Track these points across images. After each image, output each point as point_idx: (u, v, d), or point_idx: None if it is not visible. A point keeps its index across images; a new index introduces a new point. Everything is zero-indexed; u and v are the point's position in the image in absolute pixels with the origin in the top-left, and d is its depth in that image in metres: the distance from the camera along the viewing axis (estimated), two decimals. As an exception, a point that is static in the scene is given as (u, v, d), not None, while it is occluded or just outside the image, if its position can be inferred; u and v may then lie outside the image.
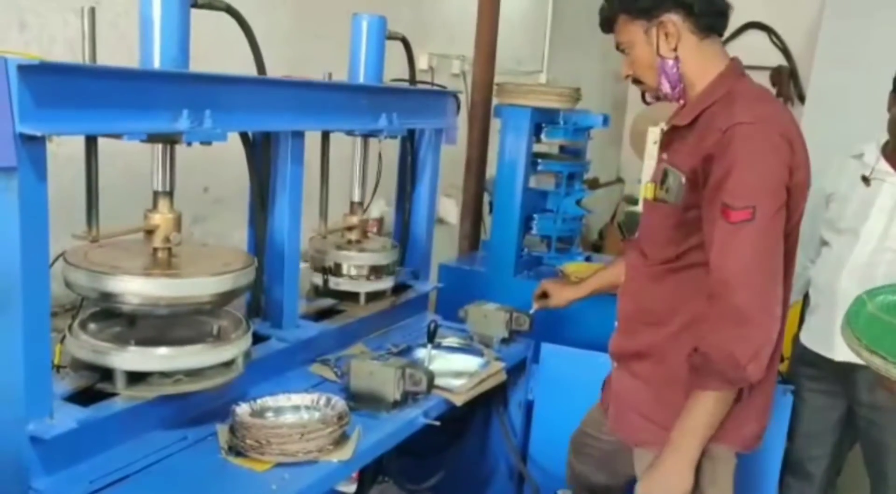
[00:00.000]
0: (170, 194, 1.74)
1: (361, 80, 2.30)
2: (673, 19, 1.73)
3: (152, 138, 1.60)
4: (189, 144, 1.64)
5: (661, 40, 1.74)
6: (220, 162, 2.33)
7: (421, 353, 2.22)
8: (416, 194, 2.66)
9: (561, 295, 2.42)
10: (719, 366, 1.61)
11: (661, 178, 1.80)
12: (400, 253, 2.58)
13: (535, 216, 3.35)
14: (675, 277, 1.78)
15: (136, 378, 1.65)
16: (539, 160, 3.30)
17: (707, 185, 1.66)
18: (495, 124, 3.73)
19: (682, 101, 1.82)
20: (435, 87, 2.61)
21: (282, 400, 1.78)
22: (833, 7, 6.19)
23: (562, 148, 3.61)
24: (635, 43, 1.79)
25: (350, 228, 2.40)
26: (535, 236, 3.43)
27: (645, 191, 1.87)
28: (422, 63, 4.10)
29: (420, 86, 2.64)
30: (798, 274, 2.55)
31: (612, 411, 2.02)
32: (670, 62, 1.75)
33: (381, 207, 3.22)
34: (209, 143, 1.68)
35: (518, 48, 5.24)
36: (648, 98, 1.90)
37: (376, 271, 2.40)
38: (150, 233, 1.73)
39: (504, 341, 2.47)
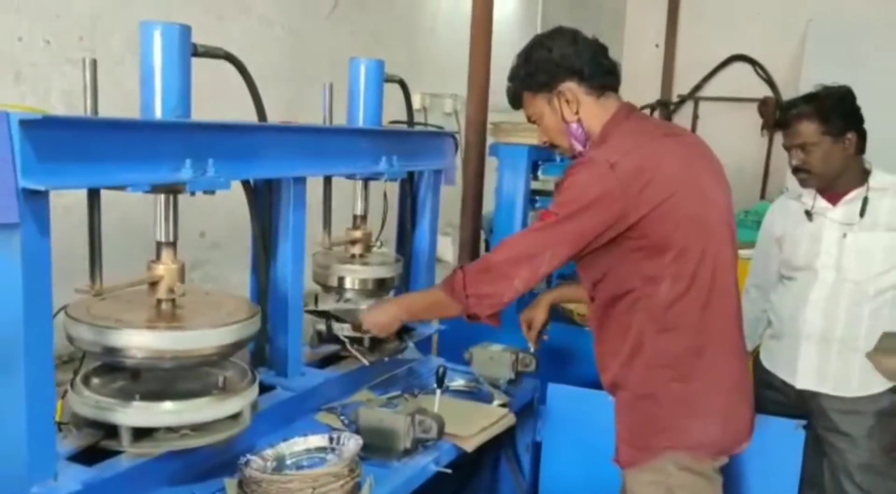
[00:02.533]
0: (173, 244, 1.71)
1: (361, 123, 2.29)
2: (569, 86, 1.90)
3: (156, 189, 1.58)
4: (192, 194, 1.62)
5: (563, 107, 1.92)
6: (217, 206, 2.31)
7: (429, 399, 2.17)
8: (416, 235, 2.64)
9: (536, 316, 2.49)
10: (456, 285, 1.90)
11: None
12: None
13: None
14: (613, 311, 1.92)
15: (141, 433, 1.61)
16: (536, 197, 3.29)
17: None
18: (489, 162, 3.75)
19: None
20: (433, 129, 2.60)
21: (298, 443, 1.74)
22: (815, 39, 6.30)
23: (557, 185, 3.61)
24: (542, 113, 1.96)
25: (353, 242, 2.38)
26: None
27: None
28: (415, 102, 4.10)
29: (418, 127, 2.63)
30: (757, 318, 2.67)
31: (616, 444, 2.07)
32: (574, 125, 1.93)
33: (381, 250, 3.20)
34: (212, 192, 1.66)
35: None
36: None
37: (381, 285, 2.38)
38: (153, 284, 1.70)
39: (511, 382, 2.43)
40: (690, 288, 1.82)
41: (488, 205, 4.02)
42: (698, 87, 7.35)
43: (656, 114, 7.29)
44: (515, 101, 2.02)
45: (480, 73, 3.85)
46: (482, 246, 4.03)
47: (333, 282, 2.35)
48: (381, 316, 2.10)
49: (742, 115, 6.95)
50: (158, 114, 1.63)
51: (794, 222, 2.55)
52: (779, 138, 6.96)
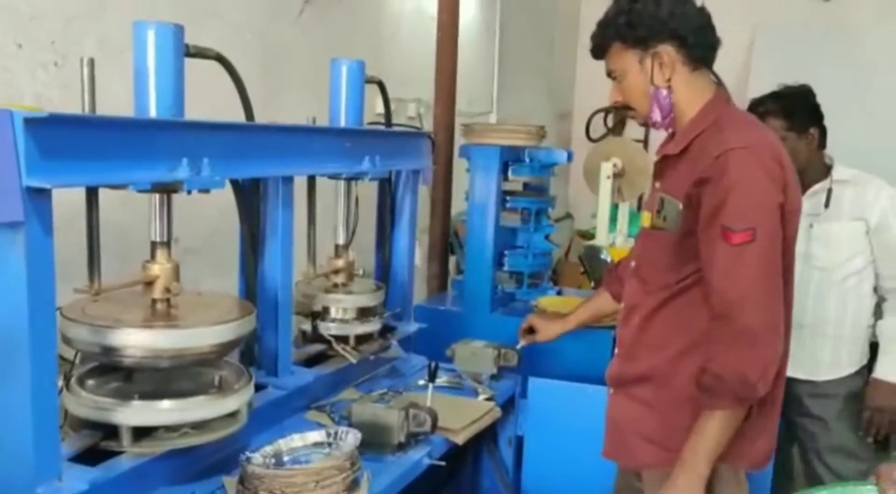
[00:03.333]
0: (167, 244, 1.71)
1: (343, 123, 2.31)
2: (668, 50, 1.77)
3: (154, 188, 1.58)
4: (189, 193, 1.62)
5: (655, 70, 1.78)
6: (191, 212, 2.30)
7: (416, 395, 2.20)
8: (395, 235, 2.66)
9: (548, 330, 2.47)
10: (731, 386, 1.64)
11: (658, 207, 1.84)
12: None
13: (507, 252, 3.38)
14: (674, 302, 1.81)
15: (140, 433, 1.61)
16: (507, 197, 3.35)
17: (702, 210, 1.70)
18: (457, 165, 3.79)
19: (671, 130, 1.89)
20: (411, 129, 2.63)
21: (297, 439, 1.75)
22: (762, 44, 6.50)
23: (525, 185, 3.67)
24: (628, 71, 1.82)
25: (336, 271, 2.39)
26: (504, 272, 3.46)
27: (643, 219, 1.93)
28: (379, 106, 4.15)
29: (396, 128, 2.66)
30: None
31: (610, 438, 2.01)
32: (664, 92, 1.79)
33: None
34: (207, 191, 1.67)
35: (469, 90, 5.34)
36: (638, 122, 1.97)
37: (364, 313, 2.38)
38: (148, 284, 1.70)
39: (493, 377, 2.48)
40: None
41: (455, 208, 4.07)
42: (650, 90, 7.50)
43: (610, 118, 7.44)
44: (600, 50, 1.86)
45: (447, 76, 3.91)
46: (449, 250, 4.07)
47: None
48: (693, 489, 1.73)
49: (693, 118, 7.10)
50: (153, 113, 1.63)
51: None
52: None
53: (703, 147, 1.74)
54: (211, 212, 2.30)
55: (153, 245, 1.71)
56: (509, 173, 3.32)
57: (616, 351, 2.01)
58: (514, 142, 3.25)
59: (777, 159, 1.70)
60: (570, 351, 2.74)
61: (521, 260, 3.39)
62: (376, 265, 2.72)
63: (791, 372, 2.52)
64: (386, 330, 2.54)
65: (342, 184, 2.38)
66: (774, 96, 2.54)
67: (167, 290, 1.69)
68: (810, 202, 2.53)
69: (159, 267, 1.69)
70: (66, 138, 1.37)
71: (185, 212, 2.41)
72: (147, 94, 1.63)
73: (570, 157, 3.43)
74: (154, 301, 1.71)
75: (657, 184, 1.91)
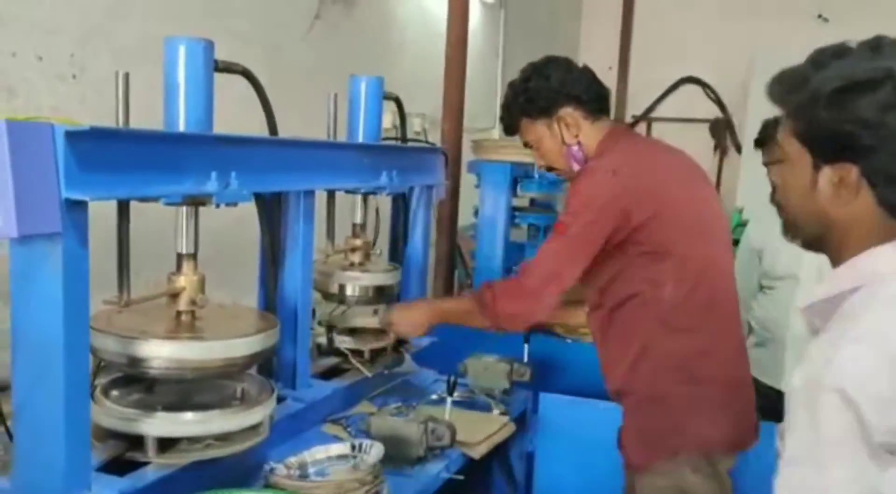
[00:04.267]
0: (194, 256, 1.73)
1: (360, 138, 2.33)
2: (568, 111, 2.02)
3: (185, 201, 1.60)
4: (217, 206, 1.64)
5: (563, 131, 2.03)
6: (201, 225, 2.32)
7: (431, 408, 2.21)
8: (409, 249, 2.68)
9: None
10: (487, 303, 1.97)
11: None
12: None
13: (514, 268, 3.39)
14: (616, 316, 1.99)
15: (165, 444, 1.62)
16: (516, 213, 3.37)
17: None
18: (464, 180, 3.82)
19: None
20: (426, 145, 2.66)
21: (320, 451, 1.76)
22: (762, 65, 6.56)
23: (532, 201, 3.70)
24: (542, 138, 2.07)
25: (353, 250, 2.41)
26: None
27: None
28: (386, 122, 4.18)
29: (412, 143, 2.69)
30: None
31: (620, 436, 2.09)
32: (575, 147, 2.04)
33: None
34: (235, 205, 1.69)
35: (472, 106, 5.38)
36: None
37: (380, 292, 2.42)
38: (174, 296, 1.71)
39: (505, 392, 2.49)
40: (694, 291, 1.90)
41: (461, 220, 4.10)
42: (651, 108, 7.57)
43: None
44: (511, 129, 2.12)
45: (455, 92, 3.94)
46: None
47: (334, 290, 2.38)
48: (413, 316, 2.18)
49: (694, 135, 7.18)
50: (182, 128, 1.65)
51: (774, 234, 2.66)
52: (729, 161, 7.14)
53: None
54: (219, 227, 2.32)
55: (179, 257, 1.72)
56: (518, 189, 3.35)
57: None
58: (523, 159, 3.28)
59: (622, 173, 1.90)
60: (582, 366, 2.75)
61: (528, 276, 3.40)
62: (389, 279, 2.74)
63: None
64: (399, 344, 2.56)
65: (359, 198, 2.39)
66: None
67: (193, 302, 1.71)
68: None
69: (185, 280, 1.71)
70: (103, 151, 1.39)
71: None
72: (177, 109, 1.65)
73: (578, 174, 3.45)
74: (179, 312, 1.72)
75: None
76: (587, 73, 2.06)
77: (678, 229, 1.90)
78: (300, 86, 3.56)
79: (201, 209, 1.72)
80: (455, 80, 3.90)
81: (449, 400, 2.12)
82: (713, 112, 7.32)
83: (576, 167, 2.05)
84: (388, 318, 2.21)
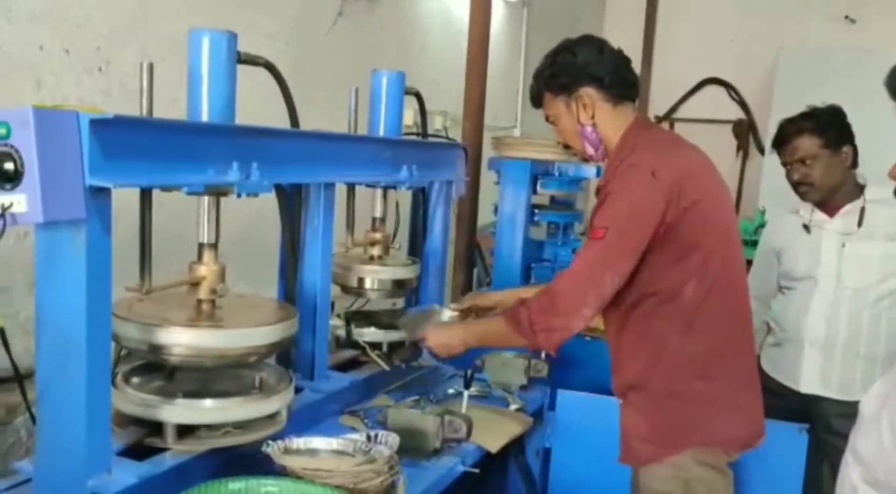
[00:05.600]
0: (215, 246, 1.75)
1: (381, 133, 2.34)
2: (588, 92, 1.99)
3: (207, 191, 1.62)
4: (239, 196, 1.66)
5: (580, 110, 2.01)
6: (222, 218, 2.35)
7: (450, 402, 2.22)
8: (427, 244, 2.69)
9: (487, 297, 2.52)
10: (523, 321, 1.92)
11: None
12: (415, 304, 2.60)
13: (533, 265, 3.40)
14: (634, 313, 1.96)
15: (184, 431, 1.64)
16: (536, 210, 3.37)
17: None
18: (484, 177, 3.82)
19: (606, 161, 2.07)
20: (446, 140, 2.67)
21: (334, 443, 1.77)
22: (785, 66, 6.51)
23: (552, 199, 3.70)
24: (560, 115, 2.06)
25: (373, 243, 2.43)
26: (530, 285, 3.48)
27: None
28: (407, 119, 4.20)
29: (432, 139, 2.69)
30: (758, 328, 2.71)
31: (621, 444, 2.10)
32: (589, 128, 2.02)
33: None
34: (256, 195, 1.71)
35: (494, 105, 5.39)
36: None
37: (400, 285, 2.43)
38: (195, 284, 1.73)
39: (523, 388, 2.49)
40: (712, 291, 1.90)
41: (481, 218, 4.10)
42: (674, 109, 7.53)
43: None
44: (537, 100, 2.11)
45: (477, 90, 3.94)
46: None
47: (353, 283, 2.40)
48: (448, 338, 2.15)
49: (716, 137, 7.13)
50: (205, 118, 1.67)
51: (792, 235, 2.67)
52: (752, 162, 7.08)
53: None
54: (238, 220, 2.35)
55: (200, 246, 1.74)
56: (538, 187, 3.35)
57: None
58: (544, 156, 3.28)
59: (661, 174, 1.85)
60: (599, 362, 2.74)
61: (547, 273, 3.40)
62: (408, 274, 2.75)
63: (821, 390, 2.56)
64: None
65: (379, 191, 2.40)
66: (805, 116, 2.58)
67: (213, 291, 1.73)
68: (843, 221, 2.55)
69: (206, 269, 1.73)
70: (126, 140, 1.41)
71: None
72: (200, 99, 1.67)
73: (598, 172, 3.44)
74: (199, 301, 1.74)
75: None
76: (618, 57, 2.03)
77: (704, 227, 1.90)
78: (323, 82, 3.58)
79: (223, 205, 1.74)
80: (477, 78, 3.90)
81: (465, 393, 2.13)
82: (736, 113, 7.27)
83: (588, 148, 2.05)
84: (423, 336, 2.19)
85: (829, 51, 6.36)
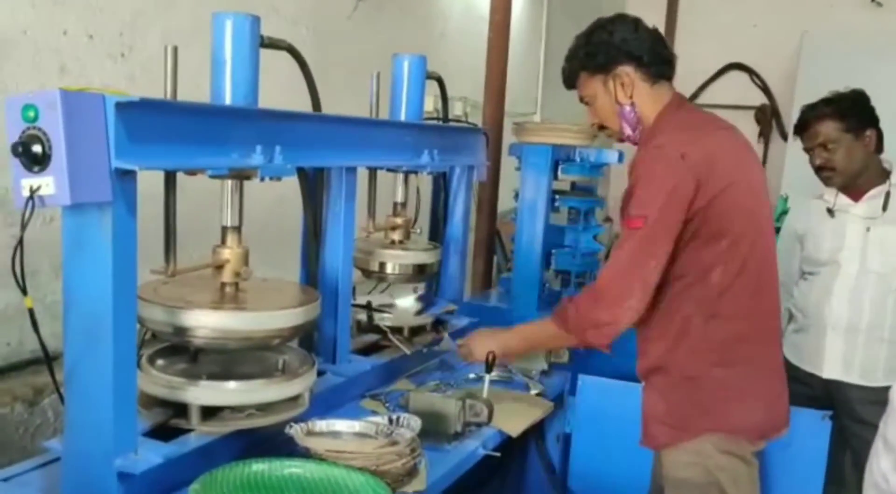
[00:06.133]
0: (238, 229, 1.76)
1: (403, 117, 2.34)
2: (626, 70, 1.96)
3: (230, 174, 1.62)
4: (262, 180, 1.67)
5: (618, 89, 1.98)
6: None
7: (471, 387, 2.22)
8: (448, 229, 2.69)
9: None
10: (571, 319, 1.92)
11: None
12: (435, 289, 2.61)
13: (553, 251, 3.38)
14: (660, 296, 1.93)
15: (208, 413, 1.65)
16: (557, 196, 3.35)
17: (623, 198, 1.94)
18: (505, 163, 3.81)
19: (641, 138, 2.04)
20: (468, 125, 2.66)
21: (357, 426, 1.78)
22: (809, 50, 6.43)
23: (573, 185, 3.68)
24: (596, 95, 2.03)
25: (394, 228, 2.43)
26: (550, 272, 3.47)
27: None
28: (427, 105, 4.19)
29: (453, 123, 2.69)
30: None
31: (642, 426, 2.10)
32: (627, 108, 1.99)
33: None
34: (279, 179, 1.71)
35: (514, 91, 5.37)
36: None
37: (421, 270, 2.44)
38: (218, 267, 1.74)
39: (543, 373, 2.49)
40: (740, 276, 1.88)
41: (501, 205, 4.09)
42: (696, 95, 7.46)
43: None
44: (571, 81, 2.08)
45: (497, 75, 3.93)
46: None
47: (374, 267, 2.41)
48: (495, 346, 2.13)
49: (739, 123, 6.94)
50: (228, 101, 1.67)
51: (816, 220, 2.65)
52: (775, 148, 7.01)
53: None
54: (259, 205, 2.35)
55: (224, 230, 1.75)
56: (559, 172, 3.33)
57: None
58: (565, 141, 3.26)
59: (690, 155, 1.82)
60: (620, 348, 2.73)
61: (568, 260, 3.39)
62: (429, 260, 2.75)
63: (843, 375, 2.54)
64: (438, 324, 2.58)
65: (400, 176, 2.41)
66: (826, 101, 2.56)
67: (237, 274, 1.74)
68: (867, 205, 2.53)
69: (230, 252, 1.74)
70: (151, 122, 1.42)
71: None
72: (223, 82, 1.68)
73: (621, 158, 3.42)
74: (223, 284, 1.75)
75: None
76: (654, 35, 2.00)
77: (734, 212, 1.87)
78: (344, 68, 3.58)
79: (246, 189, 1.75)
80: (497, 64, 3.89)
81: (487, 377, 2.13)
82: (759, 99, 7.19)
83: (626, 128, 2.02)
84: (467, 344, 2.18)
85: (855, 35, 6.27)
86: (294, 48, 1.88)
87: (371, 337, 2.38)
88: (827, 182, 2.60)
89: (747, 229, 1.90)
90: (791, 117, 6.02)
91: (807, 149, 2.63)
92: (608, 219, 7.25)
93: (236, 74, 1.68)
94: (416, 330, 2.41)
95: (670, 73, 2.01)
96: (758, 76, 7.22)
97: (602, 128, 2.12)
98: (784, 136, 6.84)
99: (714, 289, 1.88)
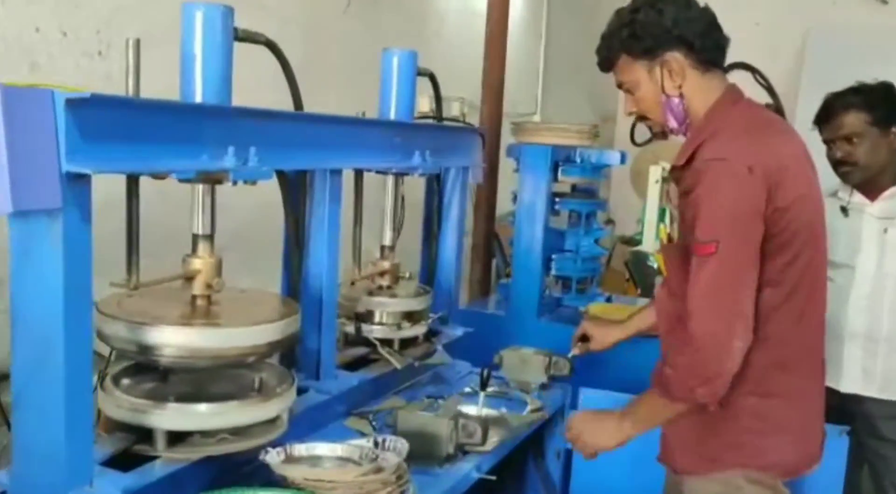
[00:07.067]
0: (210, 237, 1.62)
1: (392, 116, 2.21)
2: (676, 57, 1.73)
3: (199, 177, 1.49)
4: (234, 184, 1.53)
5: (665, 78, 1.75)
6: (220, 207, 2.23)
7: (466, 401, 2.08)
8: (442, 234, 2.56)
9: (605, 338, 2.35)
10: (675, 385, 1.68)
11: (670, 219, 1.80)
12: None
13: (554, 256, 3.26)
14: None
15: (176, 438, 1.52)
16: (557, 199, 3.23)
17: (686, 223, 1.69)
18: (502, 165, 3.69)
19: (689, 135, 1.82)
20: (463, 125, 2.53)
21: (339, 450, 1.65)
22: (814, 48, 6.30)
23: (574, 186, 3.55)
24: (640, 82, 1.79)
25: (381, 273, 2.28)
26: (550, 277, 3.35)
27: (660, 233, 1.84)
28: (423, 105, 4.06)
29: (447, 123, 2.56)
30: None
31: (661, 444, 1.96)
32: (676, 100, 1.76)
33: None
34: (254, 182, 1.58)
35: (513, 91, 5.24)
36: (657, 129, 1.91)
37: (410, 317, 2.27)
38: (189, 279, 1.61)
39: (543, 387, 2.36)
40: (790, 299, 1.70)
41: (499, 209, 3.97)
42: (699, 95, 7.33)
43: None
44: (607, 63, 1.83)
45: (495, 73, 3.81)
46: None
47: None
48: (609, 439, 1.87)
49: (742, 124, 6.92)
50: (199, 99, 1.54)
51: (829, 219, 2.49)
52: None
53: (700, 158, 1.69)
54: (242, 209, 2.21)
55: (195, 238, 1.62)
56: (559, 174, 3.20)
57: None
58: (565, 142, 3.13)
59: (759, 167, 1.61)
60: (622, 360, 2.61)
61: (569, 265, 3.27)
62: (421, 266, 2.62)
63: (862, 389, 2.41)
64: (431, 335, 2.44)
65: (390, 180, 2.27)
66: (854, 90, 2.42)
67: (208, 286, 1.61)
68: (884, 205, 2.40)
69: (201, 262, 1.61)
70: (108, 121, 1.28)
71: (223, 208, 2.34)
72: (193, 79, 1.55)
73: (623, 159, 3.29)
74: (194, 297, 1.62)
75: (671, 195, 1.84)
76: (708, 16, 1.76)
77: (793, 231, 1.67)
78: (335, 66, 3.45)
79: (227, 193, 1.62)
80: (495, 60, 3.77)
81: (482, 394, 1.99)
82: (762, 97, 7.04)
83: (672, 122, 1.78)
84: (574, 430, 1.93)
85: (860, 32, 6.15)
86: (273, 43, 1.75)
87: (359, 350, 2.24)
88: (845, 178, 2.46)
89: (806, 247, 1.70)
90: (796, 116, 5.90)
91: (827, 141, 2.49)
92: (610, 222, 7.14)
93: (207, 69, 1.55)
94: (408, 342, 2.27)
95: (722, 60, 1.79)
96: (761, 75, 7.07)
97: (642, 118, 1.86)
98: (789, 136, 6.70)
99: (760, 312, 1.66)
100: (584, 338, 2.39)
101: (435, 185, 2.52)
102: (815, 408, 1.87)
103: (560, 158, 3.19)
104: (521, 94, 5.52)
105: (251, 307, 1.69)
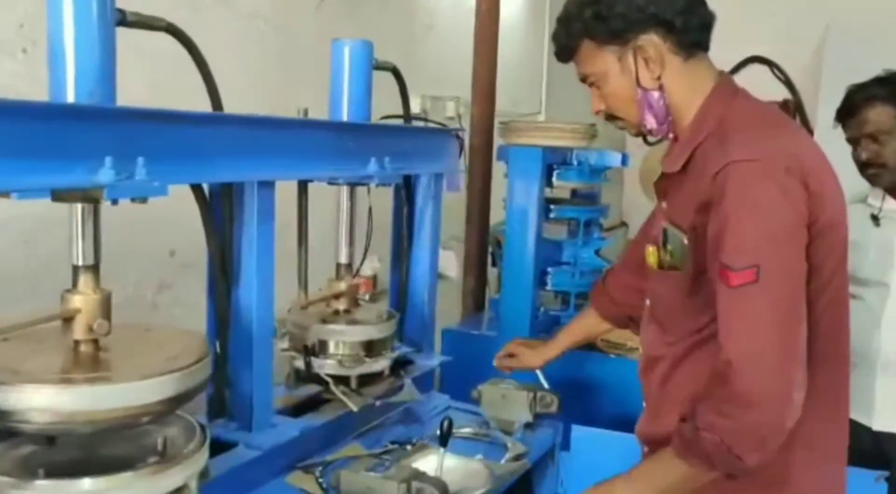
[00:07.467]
0: (94, 268, 1.32)
1: (345, 117, 1.90)
2: (652, 40, 1.42)
3: (59, 196, 1.19)
4: (114, 202, 1.23)
5: (640, 68, 1.43)
6: (189, 221, 1.94)
7: (431, 458, 1.75)
8: (414, 251, 2.25)
9: (530, 357, 2.10)
10: (709, 451, 1.31)
11: (662, 240, 1.47)
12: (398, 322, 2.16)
13: (550, 270, 2.94)
14: (699, 350, 1.45)
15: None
16: (551, 206, 2.91)
17: (708, 242, 1.34)
18: (496, 169, 3.39)
19: (671, 136, 1.50)
20: (432, 125, 2.22)
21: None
22: (835, 40, 5.95)
23: (573, 192, 3.24)
24: (608, 74, 1.46)
25: (337, 296, 1.97)
26: (548, 291, 3.04)
27: (648, 255, 1.53)
28: (414, 106, 3.76)
29: (416, 123, 2.25)
30: None
31: None
32: (655, 94, 1.44)
33: (374, 264, 2.81)
34: (144, 201, 1.27)
35: (515, 89, 4.93)
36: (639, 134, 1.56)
37: (371, 347, 1.96)
38: (67, 320, 1.30)
39: (528, 426, 2.04)
40: (813, 330, 1.35)
41: (494, 217, 3.67)
42: (714, 91, 6.99)
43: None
44: (567, 52, 1.50)
45: (486, 71, 3.52)
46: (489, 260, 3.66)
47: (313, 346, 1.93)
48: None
49: (760, 119, 6.59)
50: (71, 99, 1.25)
51: (858, 228, 2.16)
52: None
53: (705, 160, 1.37)
54: (188, 229, 1.94)
55: (75, 270, 1.31)
56: (554, 178, 2.89)
57: (644, 404, 1.64)
58: (559, 143, 2.82)
59: (797, 170, 1.31)
60: (618, 393, 2.31)
61: (566, 279, 2.95)
62: (391, 287, 2.31)
63: (884, 425, 2.08)
64: (401, 365, 2.13)
65: (344, 190, 1.96)
66: (880, 80, 2.09)
67: (90, 329, 1.30)
68: None
69: (81, 299, 1.30)
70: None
71: (182, 221, 2.05)
72: (64, 75, 1.25)
73: (625, 160, 2.97)
74: (77, 343, 1.32)
75: (662, 206, 1.52)
76: None
77: (826, 254, 1.37)
78: (311, 67, 3.17)
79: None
80: (485, 56, 3.47)
81: (442, 451, 1.67)
82: (780, 92, 6.70)
83: (650, 121, 1.46)
84: None
85: (883, 24, 5.81)
86: (176, 28, 1.45)
87: (311, 389, 1.93)
88: (872, 180, 2.14)
89: (834, 271, 1.40)
90: (816, 113, 5.57)
91: (851, 140, 2.17)
92: (623, 224, 6.81)
93: (80, 62, 1.25)
94: (368, 378, 1.96)
95: (708, 43, 1.47)
96: (779, 69, 6.73)
97: (611, 118, 1.54)
98: (810, 133, 6.35)
99: None
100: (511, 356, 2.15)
101: (403, 196, 2.21)
102: (839, 459, 1.54)
103: (555, 161, 2.87)
104: (523, 92, 5.23)
105: (151, 352, 1.38)
